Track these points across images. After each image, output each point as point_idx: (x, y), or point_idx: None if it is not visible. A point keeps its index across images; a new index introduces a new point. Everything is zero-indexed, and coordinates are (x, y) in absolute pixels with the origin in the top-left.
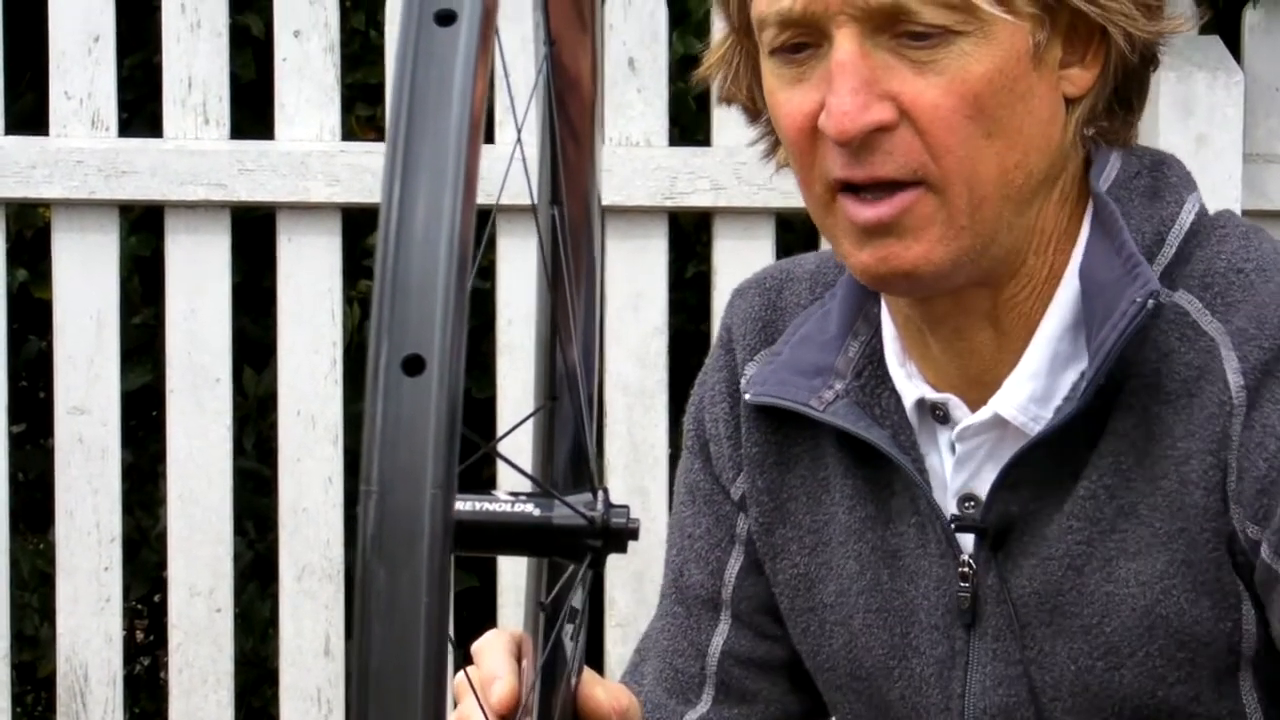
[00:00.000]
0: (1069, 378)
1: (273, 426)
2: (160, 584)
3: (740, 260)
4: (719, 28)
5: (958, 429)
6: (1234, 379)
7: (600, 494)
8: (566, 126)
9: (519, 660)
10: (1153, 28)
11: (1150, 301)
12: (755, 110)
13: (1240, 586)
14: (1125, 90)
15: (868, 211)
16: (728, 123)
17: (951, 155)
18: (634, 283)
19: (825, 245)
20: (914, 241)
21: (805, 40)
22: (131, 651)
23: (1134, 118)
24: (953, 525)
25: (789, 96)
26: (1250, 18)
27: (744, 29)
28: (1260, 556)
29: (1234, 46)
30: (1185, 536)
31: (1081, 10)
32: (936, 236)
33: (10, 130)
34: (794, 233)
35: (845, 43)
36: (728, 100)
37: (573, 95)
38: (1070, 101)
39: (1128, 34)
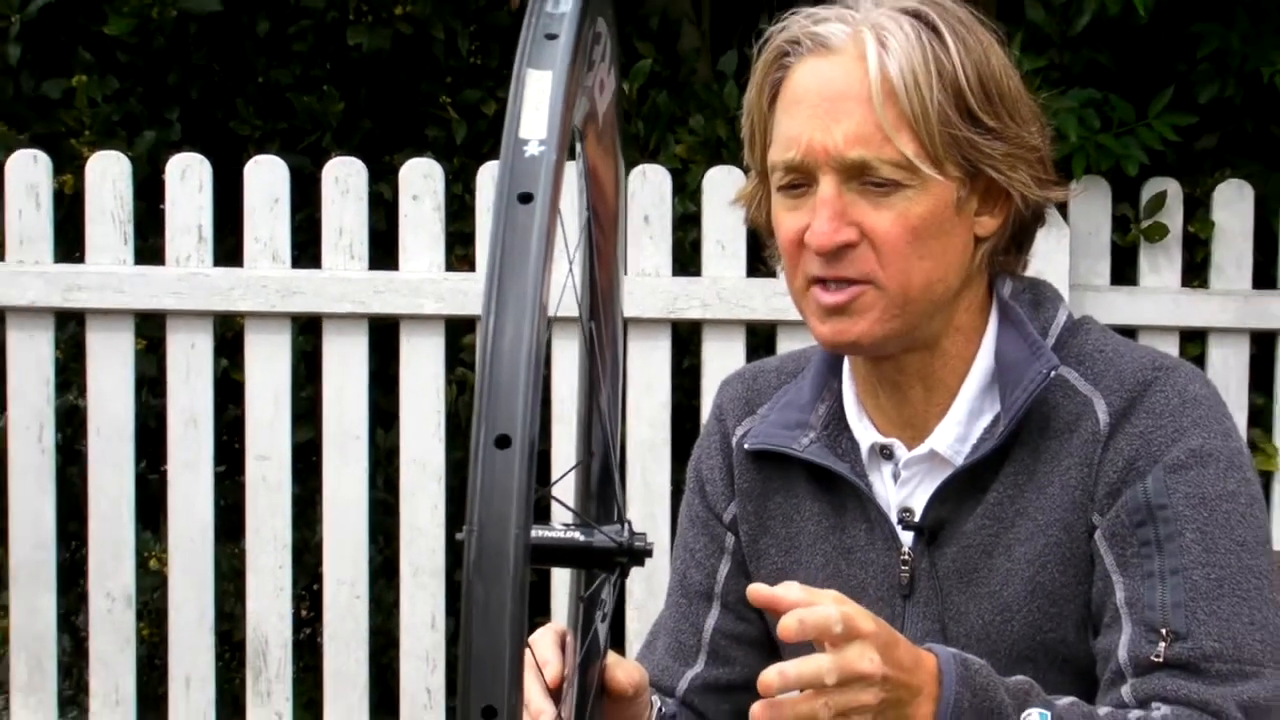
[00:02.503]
0: (980, 424)
1: (396, 469)
2: (318, 578)
3: (722, 356)
4: (749, 179)
5: (903, 460)
6: (1103, 418)
7: (626, 525)
8: (600, 262)
9: (563, 649)
10: (1042, 195)
11: (1052, 372)
12: (770, 231)
13: (1077, 559)
14: (1020, 236)
15: (829, 298)
16: (713, 261)
17: (894, 267)
18: (646, 372)
19: (780, 348)
20: (860, 319)
21: (801, 181)
22: (297, 624)
23: (1024, 256)
24: (901, 525)
25: (787, 218)
26: (1074, 188)
27: (763, 174)
28: (1093, 538)
29: (1062, 207)
30: (1062, 524)
31: (993, 178)
32: (875, 319)
33: (217, 263)
34: (758, 337)
35: (827, 186)
36: (753, 224)
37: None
38: (980, 239)
39: (1024, 197)
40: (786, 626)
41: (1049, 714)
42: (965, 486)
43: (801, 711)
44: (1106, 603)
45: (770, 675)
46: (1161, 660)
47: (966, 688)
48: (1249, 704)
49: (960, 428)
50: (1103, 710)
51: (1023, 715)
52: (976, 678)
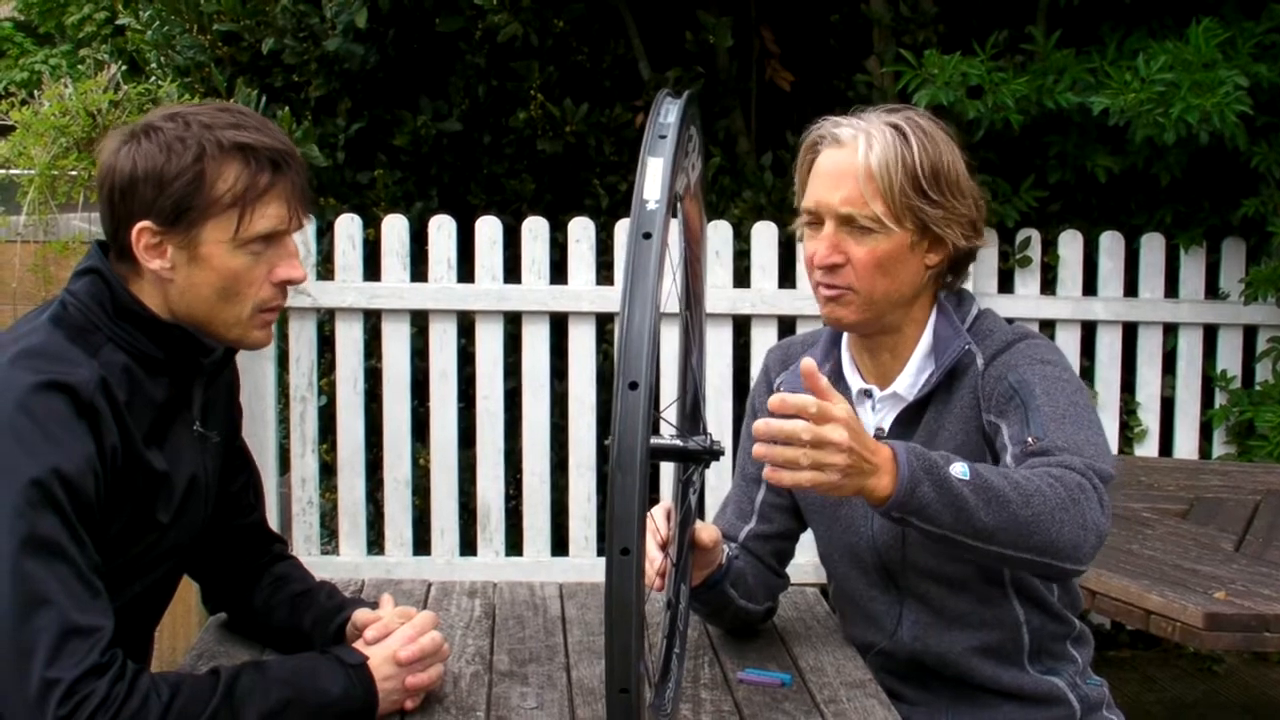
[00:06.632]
0: (923, 376)
1: (566, 403)
2: (520, 470)
3: (762, 337)
4: (799, 217)
5: (878, 398)
6: (980, 363)
7: (708, 435)
8: (695, 280)
9: (668, 519)
10: (968, 245)
11: (966, 347)
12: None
13: (985, 448)
14: (957, 266)
15: (827, 293)
16: (757, 279)
17: (864, 281)
18: (717, 345)
19: (800, 330)
20: (845, 309)
21: (816, 221)
22: (507, 498)
23: (962, 278)
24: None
25: (807, 245)
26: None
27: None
28: (985, 423)
29: None
30: (964, 429)
31: (936, 231)
32: (855, 310)
33: (459, 281)
34: (784, 325)
35: (827, 227)
36: (800, 240)
37: (695, 265)
38: (929, 267)
39: (955, 245)
40: (771, 403)
41: (966, 465)
42: (913, 413)
43: (787, 454)
44: (996, 440)
45: (760, 424)
46: (1031, 452)
47: (915, 456)
48: (1084, 466)
49: (911, 378)
50: (1003, 467)
51: (950, 466)
52: (917, 450)
